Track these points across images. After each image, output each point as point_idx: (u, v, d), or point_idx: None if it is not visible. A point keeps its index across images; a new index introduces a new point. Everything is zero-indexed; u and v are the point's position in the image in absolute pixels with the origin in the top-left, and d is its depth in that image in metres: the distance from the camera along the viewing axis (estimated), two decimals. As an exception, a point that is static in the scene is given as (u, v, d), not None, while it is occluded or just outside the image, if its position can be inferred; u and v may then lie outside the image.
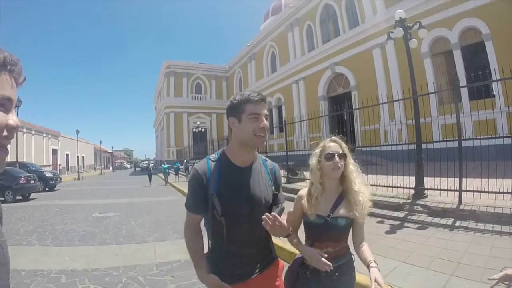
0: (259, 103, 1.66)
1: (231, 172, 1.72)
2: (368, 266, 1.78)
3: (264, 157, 1.94)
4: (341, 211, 1.87)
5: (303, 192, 2.00)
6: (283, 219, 1.82)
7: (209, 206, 1.68)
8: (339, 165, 1.85)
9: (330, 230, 1.86)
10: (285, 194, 2.32)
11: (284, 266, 1.96)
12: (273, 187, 1.84)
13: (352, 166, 1.92)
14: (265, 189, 1.78)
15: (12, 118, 0.78)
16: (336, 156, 1.86)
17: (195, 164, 1.82)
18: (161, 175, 24.25)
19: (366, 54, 19.25)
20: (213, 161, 1.75)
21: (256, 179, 1.76)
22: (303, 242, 1.97)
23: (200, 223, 1.82)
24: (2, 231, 0.89)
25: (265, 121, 1.67)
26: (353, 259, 1.97)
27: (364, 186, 1.94)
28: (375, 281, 1.65)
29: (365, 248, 1.91)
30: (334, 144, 1.91)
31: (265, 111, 1.70)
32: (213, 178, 1.68)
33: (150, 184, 23.25)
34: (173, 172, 27.58)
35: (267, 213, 1.60)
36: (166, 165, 24.38)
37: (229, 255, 1.72)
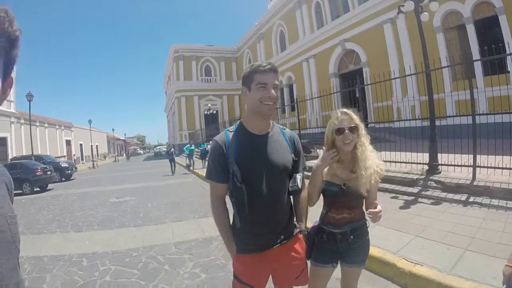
0: (267, 72, 1.71)
1: (249, 139, 1.77)
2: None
3: (282, 126, 1.97)
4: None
5: None
6: (304, 187, 1.95)
7: (230, 175, 1.74)
8: (350, 138, 1.89)
9: (344, 198, 1.93)
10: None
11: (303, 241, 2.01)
12: (293, 154, 1.87)
13: (364, 138, 1.95)
14: (283, 155, 1.81)
15: None
16: (346, 130, 1.90)
17: (215, 137, 1.87)
18: (184, 158, 20.83)
19: (376, 30, 18.78)
20: (231, 131, 1.82)
21: (274, 146, 1.80)
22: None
23: (225, 198, 1.87)
24: (11, 205, 0.87)
25: (272, 91, 1.71)
26: (368, 225, 2.05)
27: (376, 156, 1.98)
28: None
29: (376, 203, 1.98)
30: (345, 117, 1.93)
31: (275, 81, 1.73)
32: (232, 146, 1.75)
33: (173, 172, 18.73)
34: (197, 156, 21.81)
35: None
36: (192, 146, 20.18)
37: (251, 223, 1.77)
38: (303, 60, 26.54)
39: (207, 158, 2.12)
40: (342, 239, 1.96)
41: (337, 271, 2.14)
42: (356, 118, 1.93)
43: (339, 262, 2.07)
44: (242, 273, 1.82)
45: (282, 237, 1.82)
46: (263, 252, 1.77)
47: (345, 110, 1.98)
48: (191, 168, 19.18)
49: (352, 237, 1.96)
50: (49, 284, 4.05)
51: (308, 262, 2.03)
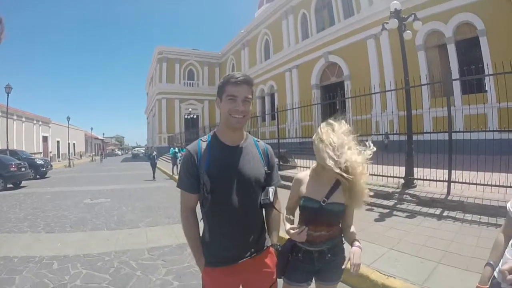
0: (239, 85, 1.67)
1: (221, 150, 1.74)
2: (351, 244, 1.82)
3: (256, 138, 1.94)
4: (337, 197, 1.86)
5: (301, 175, 2.02)
6: (276, 201, 1.85)
7: (200, 185, 1.70)
8: None
9: (324, 215, 1.86)
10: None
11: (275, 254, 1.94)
12: (265, 167, 1.84)
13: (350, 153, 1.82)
14: (256, 168, 1.78)
15: None
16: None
17: (187, 146, 1.83)
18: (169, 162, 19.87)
19: (360, 45, 19.18)
20: (204, 141, 1.78)
21: (246, 158, 1.76)
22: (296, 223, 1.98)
23: (195, 209, 1.83)
24: None
25: (240, 104, 1.67)
26: (343, 241, 2.00)
27: (360, 174, 1.85)
28: (349, 259, 1.72)
29: (353, 230, 1.95)
30: (325, 128, 1.88)
31: (247, 94, 1.69)
32: (204, 156, 1.71)
33: (154, 177, 17.34)
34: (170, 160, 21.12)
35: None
36: (176, 149, 19.46)
37: (220, 235, 1.73)
38: (286, 70, 26.80)
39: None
40: (319, 257, 1.91)
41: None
42: (336, 130, 1.85)
43: (313, 279, 2.01)
44: (211, 287, 1.78)
45: (252, 250, 1.77)
46: (232, 265, 1.72)
47: (330, 121, 1.92)
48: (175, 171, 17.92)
49: (329, 255, 1.91)
50: (18, 286, 3.92)
51: (279, 280, 1.97)
